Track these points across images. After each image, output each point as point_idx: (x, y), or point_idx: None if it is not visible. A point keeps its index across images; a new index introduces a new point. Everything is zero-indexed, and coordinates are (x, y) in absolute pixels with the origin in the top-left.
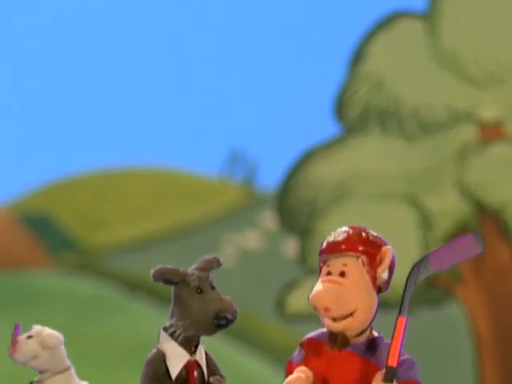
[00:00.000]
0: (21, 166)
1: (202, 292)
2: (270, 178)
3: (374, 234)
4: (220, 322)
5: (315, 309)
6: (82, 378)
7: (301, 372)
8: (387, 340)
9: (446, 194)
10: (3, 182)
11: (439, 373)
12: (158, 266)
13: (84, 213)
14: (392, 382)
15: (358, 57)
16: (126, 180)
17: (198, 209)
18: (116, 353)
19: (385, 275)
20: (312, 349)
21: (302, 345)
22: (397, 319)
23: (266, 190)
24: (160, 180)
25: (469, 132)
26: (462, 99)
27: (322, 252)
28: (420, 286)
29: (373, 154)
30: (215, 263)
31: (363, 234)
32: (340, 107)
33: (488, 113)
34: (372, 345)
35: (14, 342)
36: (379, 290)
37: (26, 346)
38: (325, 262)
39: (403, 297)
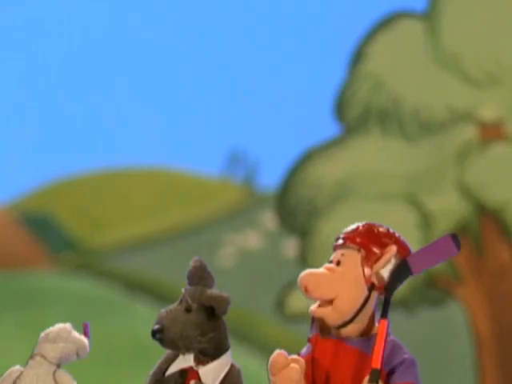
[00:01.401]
0: (21, 166)
1: (189, 311)
2: (270, 178)
3: (391, 233)
4: (154, 337)
5: (300, 287)
6: (81, 377)
7: (293, 361)
8: (392, 337)
9: (446, 194)
10: (3, 182)
11: (439, 373)
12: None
13: (84, 213)
14: (377, 383)
15: (357, 57)
16: (126, 180)
17: (198, 209)
18: (116, 353)
19: (386, 274)
20: (318, 344)
21: (309, 340)
22: (379, 322)
23: (266, 190)
24: (160, 180)
25: (469, 132)
26: (462, 99)
27: (334, 246)
28: (420, 286)
29: (373, 154)
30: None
31: (373, 230)
32: (340, 107)
33: (488, 113)
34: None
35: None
36: (373, 287)
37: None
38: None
39: (385, 300)
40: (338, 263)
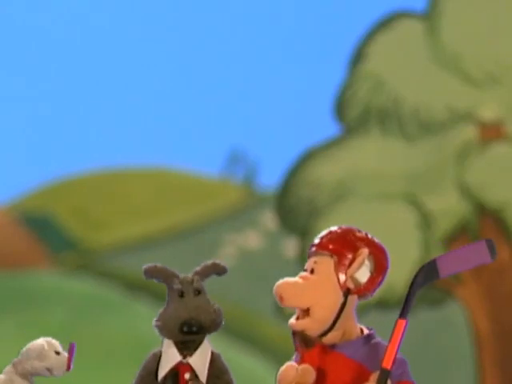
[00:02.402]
0: (21, 166)
1: (183, 296)
2: (270, 178)
3: (363, 235)
4: (183, 329)
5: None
6: (81, 377)
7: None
8: (377, 339)
9: (446, 194)
10: (3, 182)
11: (439, 373)
12: (152, 264)
13: (84, 213)
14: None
15: (358, 57)
16: (125, 180)
17: (198, 209)
18: (116, 353)
19: (362, 277)
20: (305, 352)
21: (297, 348)
22: (397, 321)
23: (266, 190)
24: (160, 180)
25: (469, 132)
26: (462, 99)
27: (308, 253)
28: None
29: (373, 154)
30: (214, 268)
31: (344, 235)
32: (340, 107)
33: (488, 113)
34: (364, 345)
35: (69, 361)
36: (348, 291)
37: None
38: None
39: (406, 299)
40: (312, 271)
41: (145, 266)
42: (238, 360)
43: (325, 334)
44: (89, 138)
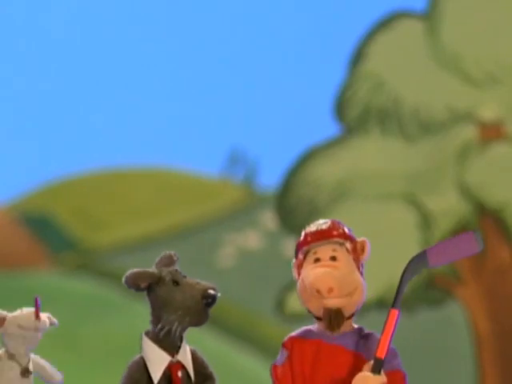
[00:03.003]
0: (21, 166)
1: (178, 284)
2: (270, 178)
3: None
4: (208, 300)
5: (318, 291)
6: (81, 377)
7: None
8: (371, 331)
9: (446, 194)
10: (3, 182)
11: (439, 373)
12: (130, 271)
13: (84, 213)
14: (379, 373)
15: (358, 57)
16: (125, 180)
17: (198, 209)
18: (116, 353)
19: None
20: (295, 347)
21: (284, 344)
22: (389, 311)
23: (265, 190)
24: (160, 180)
25: (469, 132)
26: (462, 99)
27: (304, 243)
28: (420, 286)
29: (373, 154)
30: (172, 259)
31: (340, 223)
32: (340, 107)
33: (488, 113)
34: (358, 337)
35: (37, 312)
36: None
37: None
38: (307, 252)
39: (398, 290)
40: (334, 259)
41: (126, 274)
42: (238, 360)
43: (352, 316)
44: (89, 138)
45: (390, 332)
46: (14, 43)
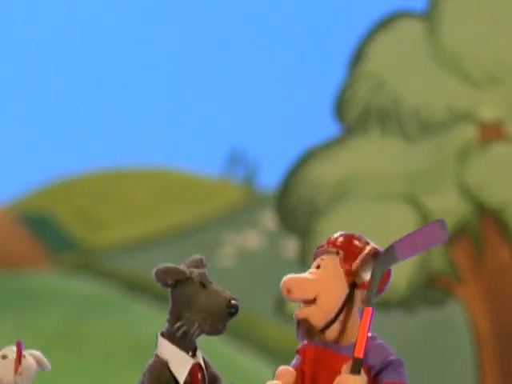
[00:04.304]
0: (21, 166)
1: (205, 287)
2: (270, 178)
3: (367, 240)
4: (231, 309)
5: (282, 292)
6: (81, 377)
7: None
8: (379, 340)
9: (446, 194)
10: (3, 182)
11: (439, 373)
12: (161, 265)
13: (84, 213)
14: (359, 373)
15: (358, 57)
16: (126, 180)
17: (198, 209)
18: (116, 353)
19: (366, 275)
20: (307, 354)
21: (298, 351)
22: (363, 310)
23: (266, 190)
24: (160, 180)
25: (469, 132)
26: (462, 99)
27: (314, 254)
28: (420, 286)
29: (373, 154)
30: (202, 263)
31: (350, 237)
32: (340, 107)
33: (488, 113)
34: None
35: (18, 361)
36: (354, 285)
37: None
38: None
39: (369, 287)
40: (318, 267)
41: (157, 268)
42: (237, 359)
43: (327, 326)
44: (89, 138)
45: (365, 330)
46: (14, 42)
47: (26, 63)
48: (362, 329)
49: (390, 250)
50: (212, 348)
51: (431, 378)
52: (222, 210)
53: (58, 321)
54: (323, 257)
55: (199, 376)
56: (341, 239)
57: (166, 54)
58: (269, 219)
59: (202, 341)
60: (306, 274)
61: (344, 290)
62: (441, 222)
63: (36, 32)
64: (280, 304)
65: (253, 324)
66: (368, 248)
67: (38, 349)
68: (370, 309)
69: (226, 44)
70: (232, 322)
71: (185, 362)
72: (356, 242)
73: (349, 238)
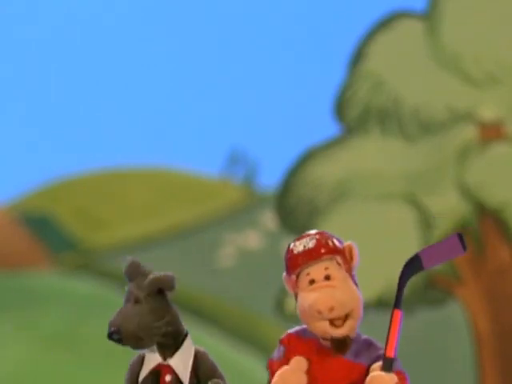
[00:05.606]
0: (21, 166)
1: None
2: (270, 178)
3: (331, 234)
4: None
5: (319, 312)
6: (81, 377)
7: (298, 362)
8: (363, 336)
9: (446, 193)
10: (3, 182)
11: (439, 373)
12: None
13: (84, 213)
14: (391, 371)
15: (358, 57)
16: (126, 180)
17: (198, 209)
18: (116, 353)
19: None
20: (292, 344)
21: (281, 341)
22: (393, 312)
23: (266, 190)
24: (160, 180)
25: (469, 132)
26: (462, 99)
27: (295, 265)
28: (420, 286)
29: (373, 154)
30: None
31: (327, 236)
32: (340, 107)
33: (488, 113)
34: (360, 345)
35: None
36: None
37: None
38: (299, 274)
39: (398, 291)
40: (328, 278)
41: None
42: (237, 359)
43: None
44: (89, 137)
45: (396, 331)
46: (14, 42)
47: (26, 63)
48: (393, 330)
49: (416, 258)
50: (211, 347)
51: (431, 378)
52: (222, 209)
53: (58, 321)
54: (325, 265)
55: (167, 379)
56: (330, 243)
57: (166, 54)
58: (269, 219)
59: (201, 340)
60: (330, 289)
61: (359, 291)
62: (459, 235)
63: (36, 32)
64: (280, 304)
65: (253, 324)
66: (352, 244)
67: (37, 349)
68: (400, 312)
69: (226, 44)
70: (232, 322)
71: (152, 361)
72: (337, 242)
73: (332, 240)
